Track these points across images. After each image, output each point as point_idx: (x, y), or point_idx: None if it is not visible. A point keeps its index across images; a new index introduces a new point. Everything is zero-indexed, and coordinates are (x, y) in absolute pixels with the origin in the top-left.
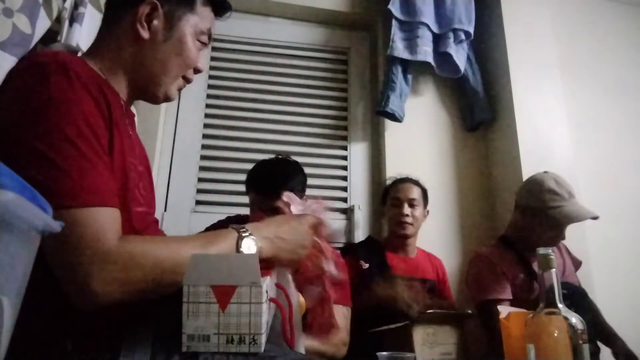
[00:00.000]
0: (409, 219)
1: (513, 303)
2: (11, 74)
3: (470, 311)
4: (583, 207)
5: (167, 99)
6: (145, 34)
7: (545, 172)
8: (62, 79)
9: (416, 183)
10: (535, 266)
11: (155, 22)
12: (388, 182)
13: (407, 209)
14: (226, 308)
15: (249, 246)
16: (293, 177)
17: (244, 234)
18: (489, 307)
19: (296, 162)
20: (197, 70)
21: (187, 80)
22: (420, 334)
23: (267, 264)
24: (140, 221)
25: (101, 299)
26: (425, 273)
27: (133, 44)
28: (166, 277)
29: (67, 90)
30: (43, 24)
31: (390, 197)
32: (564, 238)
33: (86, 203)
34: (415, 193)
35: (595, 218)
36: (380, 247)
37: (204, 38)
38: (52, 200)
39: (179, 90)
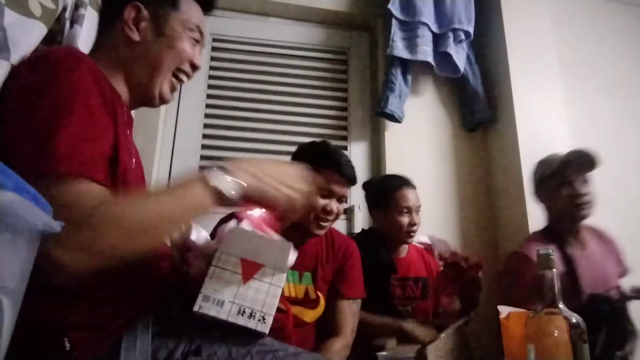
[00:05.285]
0: (417, 228)
1: None
2: (18, 67)
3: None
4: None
5: (162, 98)
6: (135, 37)
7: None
8: (72, 66)
9: (414, 186)
10: (576, 254)
11: (143, 23)
12: (389, 184)
13: (417, 218)
14: (248, 282)
15: (220, 181)
16: None
17: (217, 170)
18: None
19: None
20: (194, 66)
21: (186, 75)
22: (432, 354)
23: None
24: None
25: (68, 267)
26: (417, 271)
27: (126, 47)
28: (140, 239)
29: (75, 74)
30: (10, 19)
31: (396, 203)
32: (579, 192)
33: (69, 173)
34: (419, 199)
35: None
36: (385, 245)
37: (195, 35)
38: (36, 168)
39: (173, 91)
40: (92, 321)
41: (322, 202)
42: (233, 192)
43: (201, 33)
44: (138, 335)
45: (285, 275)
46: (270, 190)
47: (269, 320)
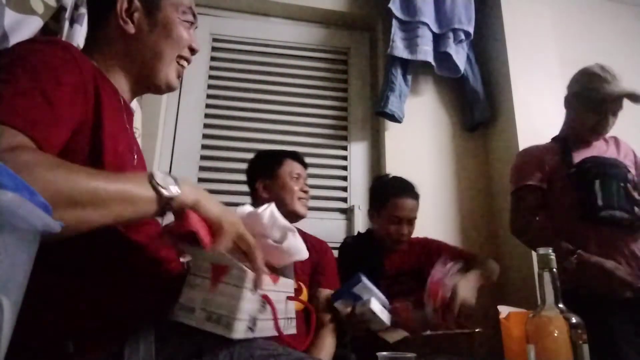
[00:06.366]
0: (405, 237)
1: (547, 189)
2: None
3: (478, 329)
4: (622, 86)
5: (169, 86)
6: (130, 29)
7: (595, 64)
8: (51, 46)
9: (415, 196)
10: (576, 156)
11: (136, 14)
12: (389, 188)
13: (406, 229)
14: (216, 286)
15: (166, 181)
16: None
17: (164, 173)
18: (519, 193)
19: None
20: (193, 50)
21: (187, 60)
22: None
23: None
24: None
25: None
26: (411, 263)
27: (122, 41)
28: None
29: (52, 51)
30: (10, 19)
31: (388, 209)
32: (607, 124)
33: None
34: (415, 210)
35: (634, 97)
36: (377, 249)
37: (188, 17)
38: None
39: (179, 76)
40: (95, 324)
41: (296, 186)
42: (174, 192)
43: (194, 14)
44: (141, 340)
45: (247, 274)
46: (212, 210)
47: (235, 325)
